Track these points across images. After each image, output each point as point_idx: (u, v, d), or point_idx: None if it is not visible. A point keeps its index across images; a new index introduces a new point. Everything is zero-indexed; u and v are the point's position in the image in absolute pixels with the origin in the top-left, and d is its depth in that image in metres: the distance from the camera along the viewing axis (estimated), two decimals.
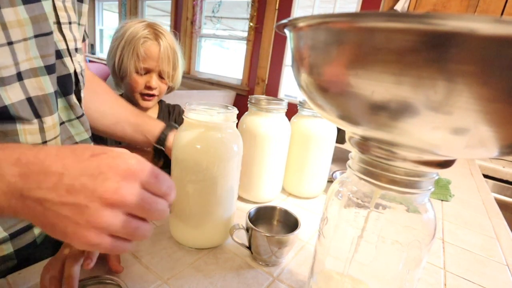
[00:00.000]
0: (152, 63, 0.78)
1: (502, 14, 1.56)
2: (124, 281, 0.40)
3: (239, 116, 0.51)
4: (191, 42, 3.27)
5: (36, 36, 0.36)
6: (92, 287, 0.39)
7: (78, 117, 0.47)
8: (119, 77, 0.81)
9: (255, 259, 0.48)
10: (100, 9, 4.47)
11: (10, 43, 0.33)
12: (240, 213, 0.62)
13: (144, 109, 0.84)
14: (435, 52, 0.16)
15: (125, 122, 0.62)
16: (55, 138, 0.41)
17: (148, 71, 0.79)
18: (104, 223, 0.25)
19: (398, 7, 1.86)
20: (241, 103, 2.63)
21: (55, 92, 0.40)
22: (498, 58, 0.15)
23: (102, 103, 0.61)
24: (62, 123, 0.45)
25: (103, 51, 4.55)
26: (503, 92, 0.16)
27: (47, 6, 0.37)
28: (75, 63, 0.46)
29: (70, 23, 0.44)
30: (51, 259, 0.39)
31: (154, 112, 0.91)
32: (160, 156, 0.66)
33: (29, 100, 0.37)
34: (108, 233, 0.26)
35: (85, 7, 0.50)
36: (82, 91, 0.49)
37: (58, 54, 0.42)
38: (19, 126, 0.37)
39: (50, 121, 0.40)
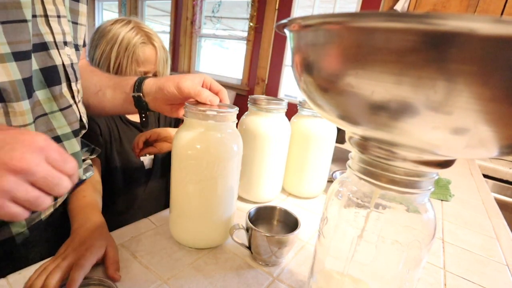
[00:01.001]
0: (150, 66, 0.80)
1: (502, 14, 1.56)
2: (116, 282, 0.40)
3: (239, 116, 0.51)
4: (191, 42, 3.27)
5: (3, 23, 0.36)
6: None
7: (61, 109, 0.47)
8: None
9: (255, 259, 0.48)
10: (100, 9, 4.47)
11: None
12: (240, 213, 0.62)
13: None
14: (435, 52, 0.16)
15: (104, 87, 0.58)
16: (24, 125, 0.41)
17: (144, 73, 0.81)
18: (7, 187, 0.26)
19: (398, 7, 1.86)
20: (241, 103, 2.63)
21: (27, 79, 0.40)
22: (498, 58, 0.15)
23: (84, 79, 0.58)
24: (44, 115, 0.45)
25: None
26: (503, 92, 0.16)
27: None
28: (63, 56, 0.46)
29: (59, 16, 0.45)
30: (47, 264, 0.40)
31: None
32: (143, 112, 0.58)
33: None
34: (10, 198, 0.27)
35: (82, 6, 0.51)
36: (74, 83, 0.49)
37: (44, 46, 0.43)
38: None
39: (17, 107, 0.39)
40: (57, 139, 0.47)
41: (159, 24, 3.92)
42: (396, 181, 0.26)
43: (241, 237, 0.49)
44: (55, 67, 0.45)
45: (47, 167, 0.29)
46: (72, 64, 0.49)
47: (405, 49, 0.17)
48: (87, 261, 0.40)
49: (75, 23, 0.50)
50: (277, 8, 2.56)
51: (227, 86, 2.95)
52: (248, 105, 0.64)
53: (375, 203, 0.28)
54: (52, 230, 0.54)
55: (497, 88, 0.16)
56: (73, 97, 0.50)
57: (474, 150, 0.20)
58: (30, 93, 0.41)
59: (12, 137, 0.28)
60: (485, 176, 1.39)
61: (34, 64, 0.42)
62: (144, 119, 0.58)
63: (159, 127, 0.88)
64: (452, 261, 0.55)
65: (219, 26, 3.08)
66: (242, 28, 2.87)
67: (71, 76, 0.48)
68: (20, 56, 0.39)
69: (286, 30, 0.27)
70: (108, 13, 4.42)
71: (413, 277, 0.30)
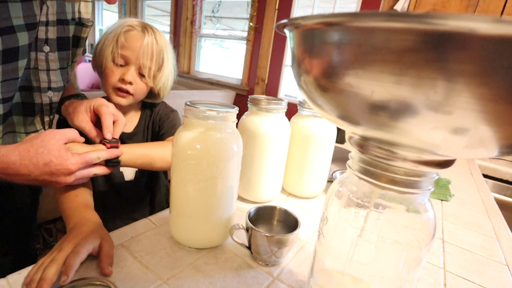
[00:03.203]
0: (131, 53, 0.67)
1: (502, 14, 1.56)
2: (116, 282, 0.40)
3: (239, 116, 0.51)
4: (191, 42, 3.26)
5: (3, 81, 0.52)
6: None
7: (26, 133, 0.63)
8: (98, 69, 0.72)
9: (255, 259, 0.48)
10: (100, 9, 4.46)
11: None
12: (240, 213, 0.62)
13: (119, 109, 0.70)
14: (435, 52, 0.16)
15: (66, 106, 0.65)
16: None
17: (126, 63, 0.68)
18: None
19: (398, 7, 1.86)
20: (241, 103, 2.63)
21: (7, 113, 0.56)
22: (498, 58, 0.15)
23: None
24: (13, 132, 0.61)
25: None
26: (503, 92, 0.16)
27: (22, 63, 0.53)
28: (44, 98, 0.61)
29: (48, 70, 0.59)
30: (44, 259, 0.41)
31: (134, 118, 0.77)
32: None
33: None
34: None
35: (79, 50, 0.67)
36: (47, 116, 0.65)
37: (30, 89, 0.59)
38: None
39: None
40: None
41: (159, 24, 3.92)
42: (396, 181, 0.26)
43: (241, 237, 0.49)
44: (33, 104, 0.60)
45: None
46: (51, 103, 0.63)
47: (405, 49, 0.17)
48: (83, 248, 0.42)
49: (73, 62, 0.66)
50: (277, 8, 2.56)
51: (227, 86, 2.96)
52: (248, 105, 0.64)
53: (375, 203, 0.28)
54: None
55: (497, 88, 0.16)
56: (42, 124, 0.65)
57: (474, 150, 0.20)
58: (3, 121, 0.56)
59: (55, 169, 0.47)
60: (485, 176, 1.39)
61: (18, 97, 0.58)
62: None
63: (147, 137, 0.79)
64: (452, 261, 0.55)
65: (219, 26, 3.08)
66: (242, 28, 2.87)
67: (46, 112, 0.64)
68: (6, 100, 0.54)
69: (286, 30, 0.27)
70: (108, 13, 4.42)
71: (413, 277, 0.30)
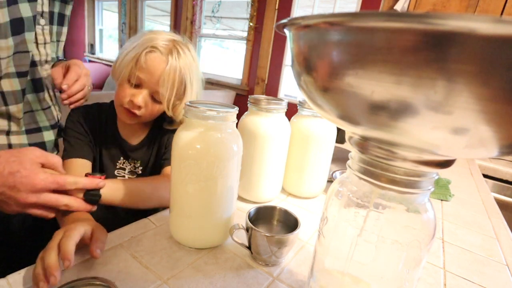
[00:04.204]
0: (148, 77, 0.62)
1: (502, 14, 1.56)
2: (116, 282, 0.40)
3: (239, 116, 0.51)
4: (191, 42, 3.27)
5: (14, 53, 0.54)
6: None
7: (43, 109, 0.66)
8: (115, 80, 0.67)
9: (255, 259, 0.48)
10: (100, 9, 4.46)
11: None
12: (240, 213, 0.62)
13: (125, 124, 0.70)
14: (435, 52, 0.16)
15: None
16: (18, 119, 0.60)
17: (141, 84, 0.63)
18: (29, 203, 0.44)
19: (398, 7, 1.86)
20: (241, 103, 2.63)
21: (23, 90, 0.58)
22: (498, 58, 0.15)
23: None
24: (31, 111, 0.63)
25: (102, 51, 4.55)
26: (503, 92, 0.16)
27: (29, 36, 0.55)
28: (43, 72, 0.63)
29: (45, 43, 0.62)
30: (42, 254, 0.40)
31: (142, 131, 0.73)
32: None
33: (2, 94, 0.56)
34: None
35: (65, 28, 0.69)
36: (51, 90, 0.69)
37: (34, 64, 0.60)
38: None
39: (15, 108, 0.58)
40: (39, 130, 0.65)
41: (159, 24, 3.92)
42: (396, 181, 0.26)
43: (241, 237, 0.49)
44: (40, 79, 0.63)
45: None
46: (48, 76, 0.66)
47: (405, 49, 0.17)
48: (73, 230, 0.41)
49: (58, 41, 0.69)
50: (277, 8, 2.56)
51: (227, 86, 2.96)
52: (248, 105, 0.64)
53: (375, 203, 0.28)
54: None
55: (497, 88, 0.16)
56: (51, 100, 0.69)
57: (474, 150, 0.20)
58: (22, 98, 0.59)
59: (19, 182, 0.43)
60: (485, 176, 1.39)
61: (29, 76, 0.60)
62: None
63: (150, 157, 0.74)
64: (452, 261, 0.55)
65: (219, 26, 3.08)
66: (242, 28, 2.87)
67: (49, 85, 0.67)
68: (21, 75, 0.57)
69: (286, 30, 0.27)
70: (108, 13, 4.42)
71: (413, 277, 0.30)
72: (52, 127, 0.68)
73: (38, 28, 0.59)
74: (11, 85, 0.56)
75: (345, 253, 0.31)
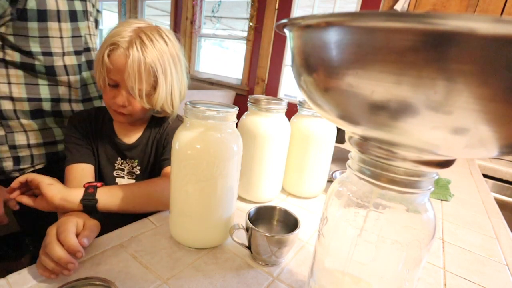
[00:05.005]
0: (118, 76, 0.60)
1: (501, 13, 1.56)
2: (116, 282, 0.40)
3: (238, 116, 0.51)
4: (191, 42, 3.26)
5: (72, 37, 0.73)
6: None
7: (94, 83, 0.85)
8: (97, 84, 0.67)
9: (255, 259, 0.48)
10: (100, 9, 4.46)
11: (61, 37, 0.71)
12: (240, 213, 0.62)
13: (121, 124, 0.71)
14: (435, 51, 0.16)
15: None
16: (76, 88, 0.79)
17: (117, 84, 0.62)
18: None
19: (398, 6, 1.86)
20: (241, 103, 2.63)
21: (79, 65, 0.77)
22: (498, 57, 0.15)
23: None
24: (85, 85, 0.82)
25: None
26: (503, 92, 0.16)
27: (81, 24, 0.74)
28: (94, 56, 0.81)
29: (93, 34, 0.81)
30: (41, 252, 0.41)
31: (138, 128, 0.72)
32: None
33: (65, 67, 0.74)
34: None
35: (97, 31, 0.90)
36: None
37: (88, 49, 0.79)
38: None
39: (74, 78, 0.77)
40: (90, 99, 0.85)
41: (158, 24, 3.91)
42: (396, 181, 0.26)
43: (241, 237, 0.49)
44: (92, 61, 0.81)
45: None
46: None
47: (405, 49, 0.17)
48: (66, 224, 0.43)
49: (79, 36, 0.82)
50: (277, 8, 2.56)
51: (227, 86, 2.96)
52: (248, 105, 0.64)
53: (375, 203, 0.28)
54: None
55: (497, 88, 0.16)
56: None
57: (474, 150, 0.20)
58: (79, 71, 0.78)
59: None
60: (485, 176, 1.39)
61: (83, 58, 0.79)
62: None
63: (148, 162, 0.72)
64: (452, 261, 0.55)
65: (219, 26, 3.08)
66: (242, 28, 2.87)
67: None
68: (77, 53, 0.76)
69: (286, 30, 0.27)
70: (108, 13, 4.41)
71: (413, 277, 0.30)
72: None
73: (90, 22, 0.78)
74: (70, 60, 0.75)
75: (345, 253, 0.31)
